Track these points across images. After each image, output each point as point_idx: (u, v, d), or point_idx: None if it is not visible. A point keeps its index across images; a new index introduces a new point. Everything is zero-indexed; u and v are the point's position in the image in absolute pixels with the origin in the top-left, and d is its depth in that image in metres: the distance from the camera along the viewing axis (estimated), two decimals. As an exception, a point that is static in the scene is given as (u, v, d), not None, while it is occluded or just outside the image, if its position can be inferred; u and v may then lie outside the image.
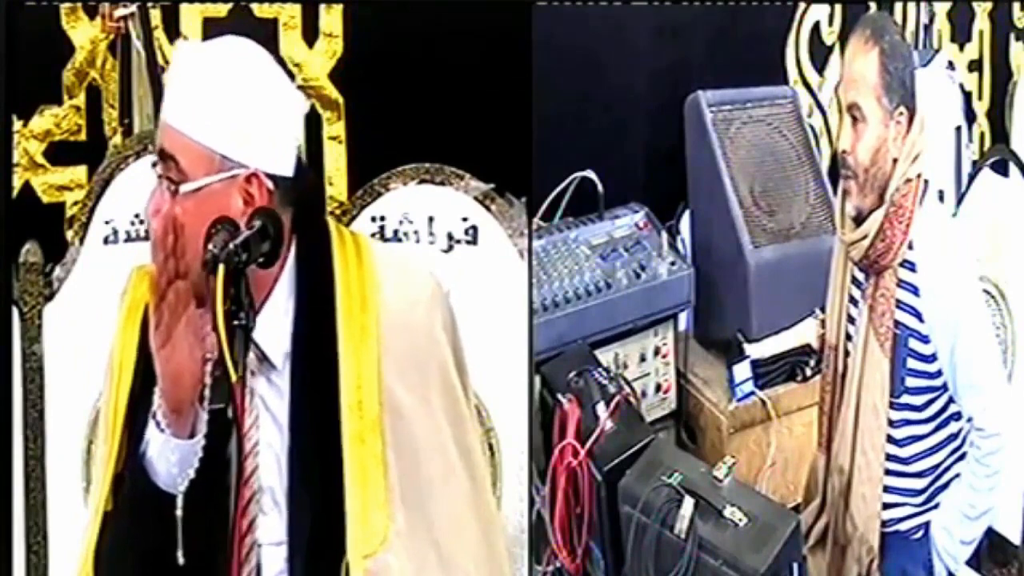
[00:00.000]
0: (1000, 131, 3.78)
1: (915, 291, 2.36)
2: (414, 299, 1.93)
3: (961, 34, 3.72)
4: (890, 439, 2.44)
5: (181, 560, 1.74)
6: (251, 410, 1.84)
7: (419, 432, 1.89)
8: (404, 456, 1.87)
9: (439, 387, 1.93)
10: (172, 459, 1.77)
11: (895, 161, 2.35)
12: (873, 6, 3.52)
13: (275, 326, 1.84)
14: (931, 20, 3.65)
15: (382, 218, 2.72)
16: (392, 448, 1.86)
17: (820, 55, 3.61)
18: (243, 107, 1.80)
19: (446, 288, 2.02)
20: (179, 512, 1.76)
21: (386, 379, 1.86)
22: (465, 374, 2.02)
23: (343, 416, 1.83)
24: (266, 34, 2.67)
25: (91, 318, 2.56)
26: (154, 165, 1.82)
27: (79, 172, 2.71)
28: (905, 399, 2.42)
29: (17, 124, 2.65)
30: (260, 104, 1.82)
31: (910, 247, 2.36)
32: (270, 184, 1.81)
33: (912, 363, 2.39)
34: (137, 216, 2.66)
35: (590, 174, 3.12)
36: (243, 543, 1.80)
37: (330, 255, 1.88)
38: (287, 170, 1.84)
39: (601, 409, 2.59)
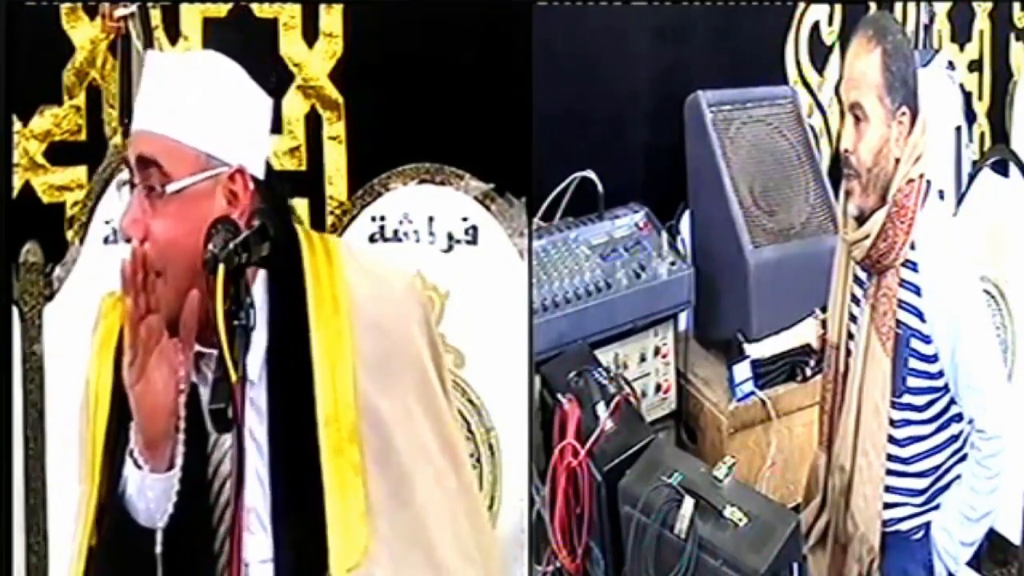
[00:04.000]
0: (1000, 131, 3.78)
1: (917, 291, 2.36)
2: (387, 300, 1.91)
3: (961, 34, 3.72)
4: (891, 439, 2.44)
5: None
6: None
7: (398, 436, 1.88)
8: (385, 462, 1.86)
9: (416, 387, 1.92)
10: (150, 495, 1.78)
11: (897, 161, 2.35)
12: (873, 6, 3.52)
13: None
14: (931, 20, 3.65)
15: (382, 218, 2.72)
16: (371, 455, 1.85)
17: (820, 55, 3.61)
18: (223, 106, 1.81)
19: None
20: (159, 549, 1.76)
21: (362, 385, 1.84)
22: (443, 367, 2.01)
23: (320, 429, 1.82)
24: (266, 34, 2.67)
25: (91, 318, 2.55)
26: (126, 183, 1.81)
27: (79, 172, 2.71)
28: (907, 399, 2.42)
29: (17, 124, 2.64)
30: (237, 104, 1.83)
31: (912, 247, 2.36)
32: (251, 184, 1.81)
33: (914, 363, 2.39)
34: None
35: (590, 174, 3.12)
36: (232, 563, 1.78)
37: (301, 263, 1.87)
38: (260, 173, 1.85)
39: (601, 409, 2.59)
